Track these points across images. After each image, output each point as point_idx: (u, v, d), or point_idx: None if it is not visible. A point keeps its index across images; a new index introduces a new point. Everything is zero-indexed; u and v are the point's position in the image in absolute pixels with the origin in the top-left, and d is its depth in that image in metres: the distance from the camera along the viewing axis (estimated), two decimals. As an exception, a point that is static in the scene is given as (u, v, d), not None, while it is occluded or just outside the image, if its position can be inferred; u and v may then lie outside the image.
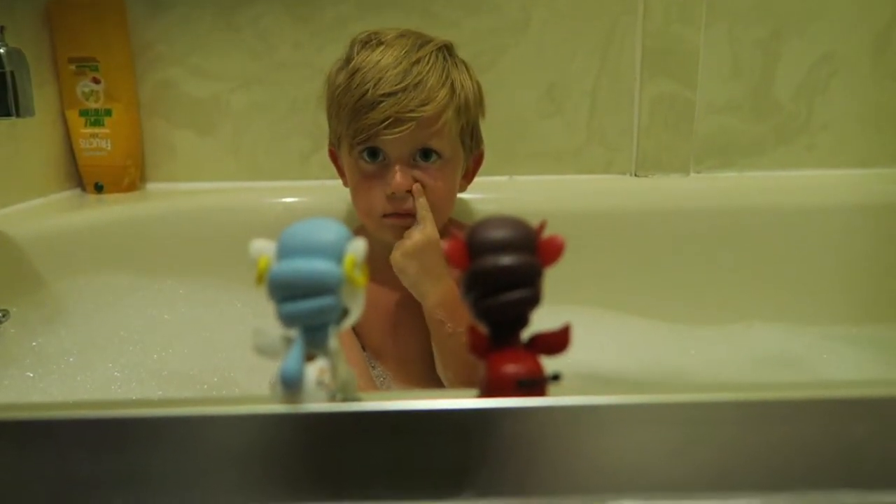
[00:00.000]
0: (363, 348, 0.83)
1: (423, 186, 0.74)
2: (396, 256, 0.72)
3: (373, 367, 0.81)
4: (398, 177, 0.73)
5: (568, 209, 0.99)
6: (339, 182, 1.05)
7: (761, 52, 1.06)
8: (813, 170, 1.09)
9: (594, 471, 0.29)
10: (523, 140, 1.07)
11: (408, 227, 0.74)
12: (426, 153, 0.75)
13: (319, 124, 1.09)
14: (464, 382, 0.67)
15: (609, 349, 0.90)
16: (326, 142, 1.08)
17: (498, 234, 0.30)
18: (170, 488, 0.30)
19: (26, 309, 0.80)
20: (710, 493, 0.29)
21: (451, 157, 0.77)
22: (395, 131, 0.71)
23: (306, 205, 1.02)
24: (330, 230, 0.30)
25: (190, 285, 0.92)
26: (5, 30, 0.69)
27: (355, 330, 0.82)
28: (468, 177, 0.84)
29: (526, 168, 1.06)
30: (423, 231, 0.72)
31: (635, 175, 1.09)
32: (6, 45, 0.68)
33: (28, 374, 0.70)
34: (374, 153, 0.75)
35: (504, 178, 1.07)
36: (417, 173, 0.74)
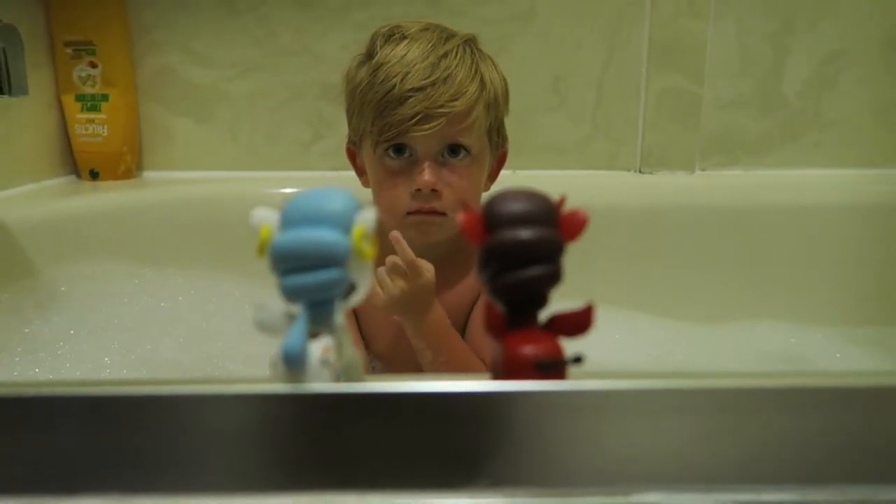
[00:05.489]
0: (367, 348, 0.80)
1: (449, 185, 0.72)
2: (381, 298, 0.68)
3: (373, 367, 0.79)
4: (426, 174, 0.70)
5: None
6: (340, 174, 1.03)
7: (770, 47, 1.04)
8: (820, 169, 1.07)
9: (617, 460, 0.27)
10: (528, 133, 1.05)
11: (434, 225, 0.71)
12: (454, 149, 0.72)
13: (320, 113, 1.07)
14: None
15: (613, 345, 0.88)
16: (327, 131, 1.07)
17: (517, 206, 0.28)
18: (164, 470, 0.28)
19: (18, 295, 0.78)
20: (739, 486, 0.27)
21: (479, 154, 0.74)
22: (424, 128, 0.68)
23: (306, 195, 1.00)
24: (338, 199, 0.28)
25: (185, 275, 0.90)
26: (-1, 6, 0.67)
27: (362, 332, 0.80)
28: (492, 176, 0.81)
29: (530, 162, 1.04)
30: (407, 284, 0.67)
31: (640, 171, 1.07)
32: (0, 22, 0.66)
33: (16, 359, 0.68)
34: (399, 149, 0.72)
35: (507, 173, 1.05)
36: (445, 171, 0.72)
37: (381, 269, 0.69)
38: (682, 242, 1.00)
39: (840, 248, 1.00)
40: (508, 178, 0.93)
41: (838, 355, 0.93)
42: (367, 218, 0.28)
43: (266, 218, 0.29)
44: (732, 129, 1.07)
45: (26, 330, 0.75)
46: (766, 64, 1.05)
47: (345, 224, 0.28)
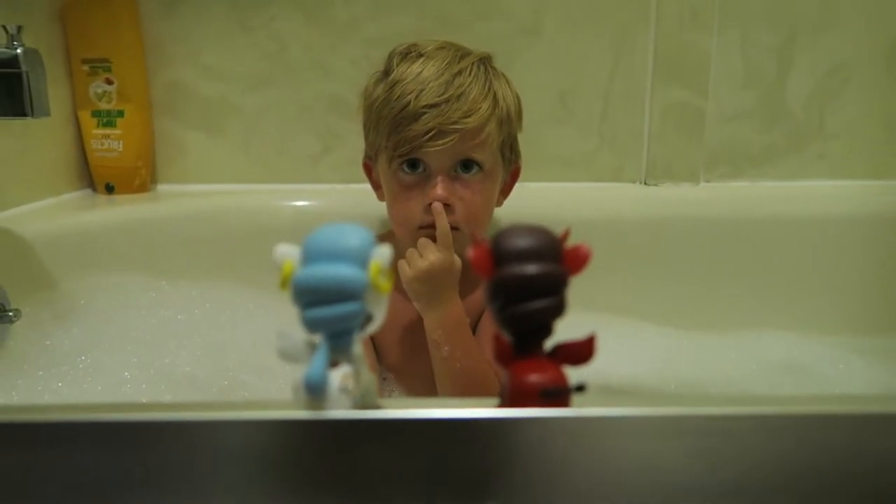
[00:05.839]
0: (379, 360, 0.82)
1: (462, 199, 0.73)
2: (408, 274, 0.71)
3: (383, 378, 0.81)
4: (439, 188, 0.72)
5: (578, 217, 0.99)
6: (349, 186, 1.05)
7: (774, 60, 1.06)
8: (824, 180, 1.08)
9: (619, 483, 0.29)
10: (534, 146, 1.06)
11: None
12: (467, 164, 0.74)
13: (330, 126, 1.09)
14: None
15: (618, 355, 0.90)
16: (336, 144, 1.09)
17: (523, 241, 0.30)
18: (190, 494, 0.30)
19: (38, 308, 0.80)
20: (734, 507, 0.29)
21: (491, 170, 0.76)
22: (438, 143, 0.70)
23: (316, 208, 1.02)
24: (355, 235, 0.30)
25: (200, 287, 0.92)
26: (22, 30, 0.70)
27: (374, 341, 0.82)
28: (505, 191, 0.83)
29: (536, 174, 1.06)
30: (439, 254, 0.70)
31: (645, 183, 1.09)
32: (23, 46, 0.69)
33: (39, 373, 0.70)
34: (413, 164, 0.74)
35: (515, 185, 1.07)
36: (458, 186, 0.74)
37: (411, 250, 0.71)
38: (686, 253, 1.01)
39: (844, 259, 1.02)
40: (515, 190, 0.95)
41: (842, 366, 0.94)
42: (383, 254, 0.30)
43: (288, 253, 0.30)
44: (737, 141, 1.08)
45: (47, 342, 0.77)
46: (769, 76, 1.06)
47: (362, 259, 0.30)
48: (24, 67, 0.68)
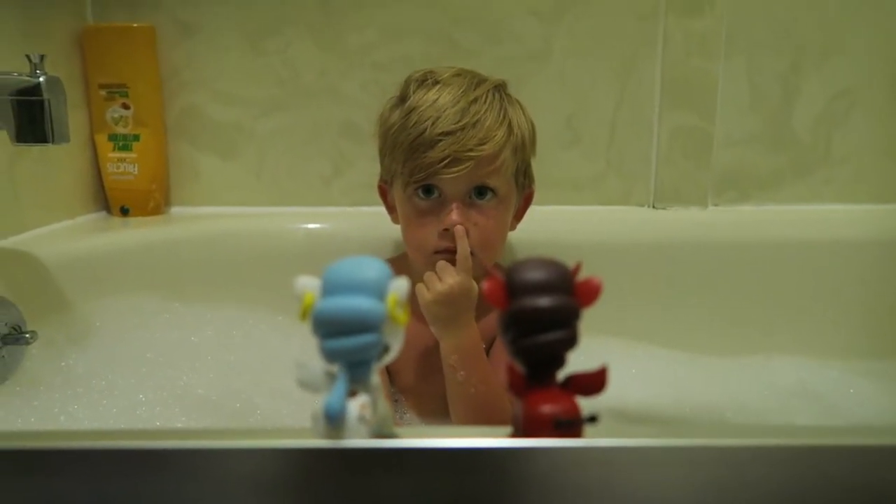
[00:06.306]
0: (391, 382, 0.83)
1: (476, 225, 0.74)
2: (427, 297, 0.72)
3: (395, 400, 0.81)
4: (454, 214, 0.73)
5: (587, 240, 1.00)
6: (360, 209, 1.07)
7: (780, 85, 1.07)
8: (831, 204, 1.09)
9: (630, 511, 0.29)
10: (543, 169, 1.07)
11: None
12: (482, 191, 0.75)
13: (341, 150, 1.11)
14: None
15: (630, 379, 0.90)
16: (347, 167, 1.11)
17: (536, 275, 0.31)
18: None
19: (54, 330, 0.81)
20: (744, 536, 0.29)
21: (505, 196, 0.77)
22: (453, 170, 0.72)
23: (328, 231, 1.04)
24: (373, 268, 0.31)
25: (213, 308, 0.93)
26: (44, 58, 0.71)
27: (388, 367, 0.82)
28: (518, 216, 0.84)
29: (546, 198, 1.07)
30: (458, 278, 0.71)
31: (654, 207, 1.10)
32: (45, 74, 0.70)
33: (55, 394, 0.71)
34: (428, 190, 0.75)
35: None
36: (472, 212, 0.75)
37: (430, 273, 0.72)
38: (695, 276, 1.02)
39: (852, 283, 1.02)
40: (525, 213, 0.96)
41: (852, 390, 0.94)
42: (400, 286, 0.31)
43: (309, 285, 0.31)
44: (744, 166, 1.09)
45: (63, 363, 0.78)
46: (776, 101, 1.07)
47: (379, 292, 0.31)
48: (45, 95, 0.70)
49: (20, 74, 0.71)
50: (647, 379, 0.92)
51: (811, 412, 0.90)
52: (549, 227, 1.03)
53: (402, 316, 0.31)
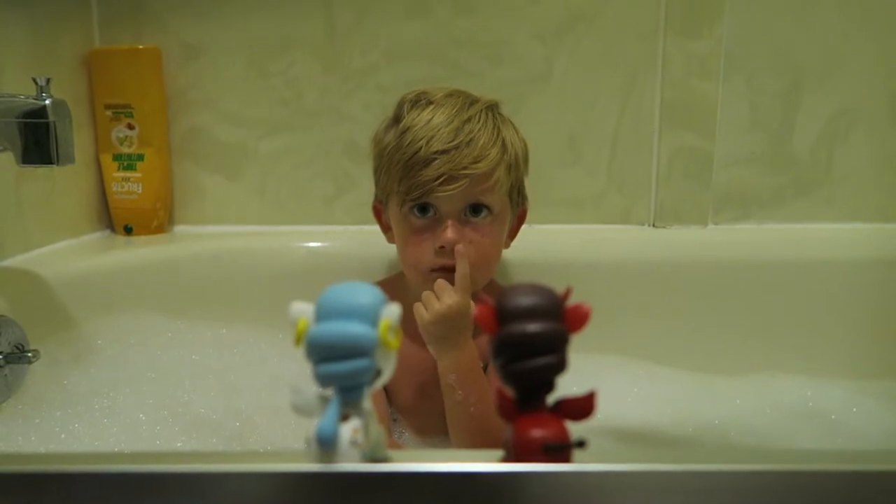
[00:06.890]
0: (389, 402, 0.83)
1: (471, 242, 0.75)
2: (425, 317, 0.72)
3: (394, 419, 0.82)
4: (450, 232, 0.74)
5: (587, 259, 1.01)
6: (362, 228, 1.07)
7: (780, 105, 1.07)
8: (832, 223, 1.09)
9: (619, 536, 0.30)
10: (544, 188, 1.09)
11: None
12: (476, 208, 0.76)
13: (344, 170, 1.12)
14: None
15: (630, 398, 0.90)
16: (350, 187, 1.12)
17: (526, 301, 0.32)
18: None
19: (56, 348, 0.82)
20: (733, 562, 0.29)
21: (500, 213, 0.78)
22: (448, 188, 0.73)
23: (329, 250, 1.04)
24: (366, 294, 0.32)
25: (215, 327, 0.94)
26: (51, 81, 0.73)
27: (385, 386, 0.82)
28: (512, 233, 0.85)
29: (546, 217, 1.08)
30: (457, 297, 0.71)
31: (654, 226, 1.10)
32: (51, 97, 0.72)
33: (57, 413, 0.71)
34: (424, 208, 0.76)
35: (524, 227, 1.09)
36: (468, 230, 0.76)
37: (428, 293, 0.73)
38: (695, 295, 1.02)
39: (853, 302, 1.02)
40: (525, 233, 0.97)
41: (855, 409, 0.94)
42: (392, 312, 0.32)
43: (303, 311, 0.32)
44: (744, 185, 1.09)
45: (65, 382, 0.79)
46: (776, 121, 1.08)
47: (372, 317, 0.31)
48: (51, 118, 0.71)
49: (26, 97, 0.72)
50: (648, 398, 0.92)
51: (814, 432, 0.90)
52: (550, 246, 1.03)
53: (394, 341, 0.31)
